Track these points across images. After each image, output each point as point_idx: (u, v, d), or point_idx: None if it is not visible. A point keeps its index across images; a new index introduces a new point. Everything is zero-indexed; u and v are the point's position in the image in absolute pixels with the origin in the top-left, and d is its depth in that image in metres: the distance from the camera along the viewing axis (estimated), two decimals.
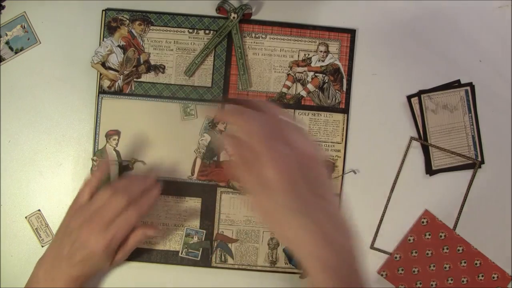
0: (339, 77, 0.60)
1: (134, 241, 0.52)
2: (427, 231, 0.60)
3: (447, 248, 0.60)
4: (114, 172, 0.58)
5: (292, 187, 0.37)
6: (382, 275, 0.60)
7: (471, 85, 0.60)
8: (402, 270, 0.60)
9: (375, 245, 0.60)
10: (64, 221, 0.53)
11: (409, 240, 0.60)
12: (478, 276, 0.60)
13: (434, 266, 0.60)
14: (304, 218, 0.37)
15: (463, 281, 0.60)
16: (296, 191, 0.37)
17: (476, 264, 0.60)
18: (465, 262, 0.60)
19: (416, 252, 0.60)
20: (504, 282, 0.60)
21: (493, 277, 0.60)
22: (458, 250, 0.60)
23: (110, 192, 0.51)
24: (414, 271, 0.60)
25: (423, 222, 0.60)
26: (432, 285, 0.60)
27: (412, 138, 0.60)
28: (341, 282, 0.35)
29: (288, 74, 0.59)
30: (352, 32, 0.60)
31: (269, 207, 0.38)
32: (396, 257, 0.60)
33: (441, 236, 0.60)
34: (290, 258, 0.59)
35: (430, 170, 0.60)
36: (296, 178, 0.37)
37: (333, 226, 0.37)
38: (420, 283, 0.60)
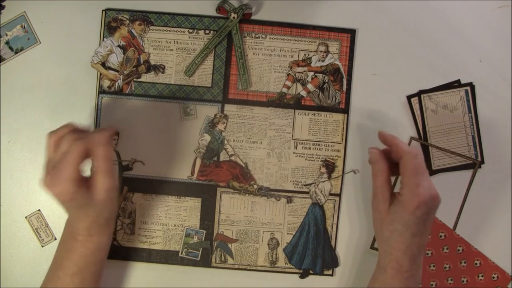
0: (339, 77, 0.60)
1: (100, 154, 0.47)
2: None
3: (447, 248, 0.60)
4: (115, 172, 0.58)
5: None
6: None
7: (471, 85, 0.60)
8: None
9: (375, 245, 0.60)
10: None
11: None
12: (478, 276, 0.60)
13: (434, 266, 0.60)
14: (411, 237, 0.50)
15: (463, 281, 0.60)
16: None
17: (476, 264, 0.60)
18: (465, 262, 0.60)
19: None
20: (504, 282, 0.60)
21: (493, 277, 0.60)
22: (458, 250, 0.60)
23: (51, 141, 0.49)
24: None
25: None
26: (432, 285, 0.60)
27: (412, 138, 0.60)
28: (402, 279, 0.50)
29: (288, 74, 0.59)
30: (352, 32, 0.60)
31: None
32: None
33: (441, 236, 0.60)
34: (290, 258, 0.59)
35: (430, 170, 0.60)
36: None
37: (418, 248, 0.50)
38: (420, 283, 0.60)
